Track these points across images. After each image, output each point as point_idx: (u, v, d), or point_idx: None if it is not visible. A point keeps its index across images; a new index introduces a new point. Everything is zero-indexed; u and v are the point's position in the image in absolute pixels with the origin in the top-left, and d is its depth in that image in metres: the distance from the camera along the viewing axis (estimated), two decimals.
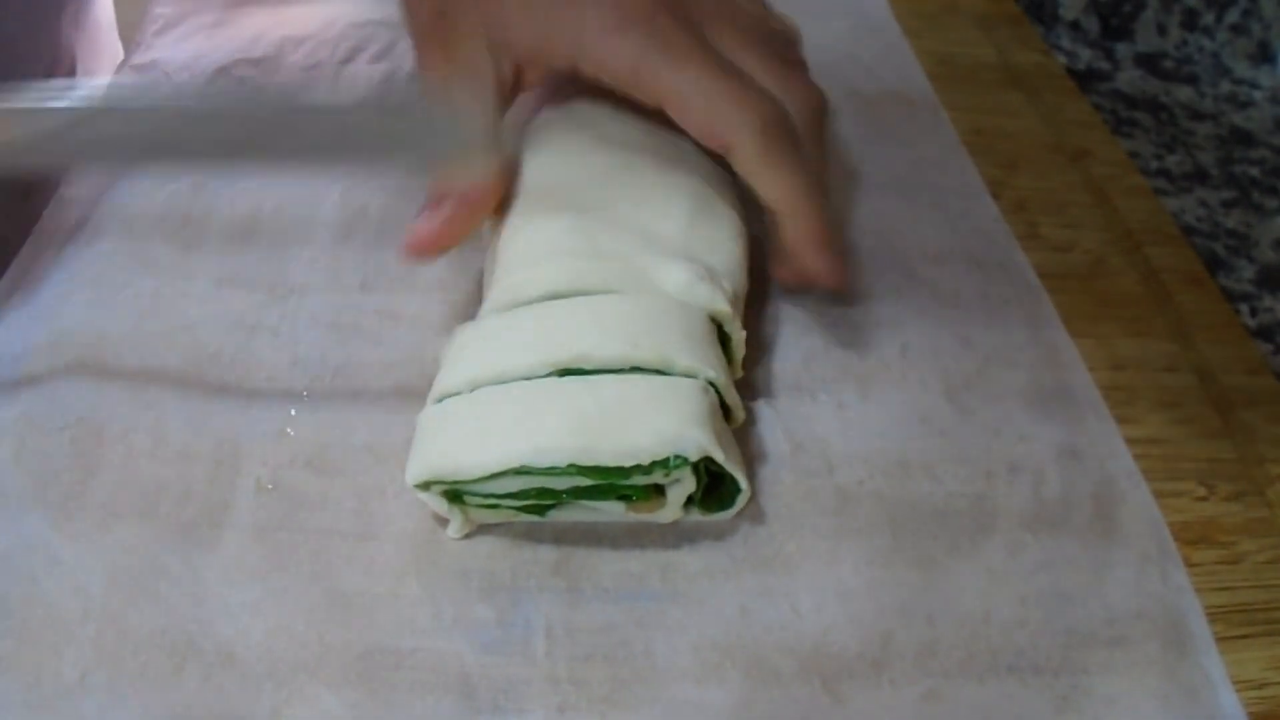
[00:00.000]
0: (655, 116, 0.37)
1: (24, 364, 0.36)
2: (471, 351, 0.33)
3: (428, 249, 0.35)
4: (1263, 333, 0.47)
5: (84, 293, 0.39)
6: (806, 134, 0.36)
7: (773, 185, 0.35)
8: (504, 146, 0.35)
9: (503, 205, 0.37)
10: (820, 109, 0.36)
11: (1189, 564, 0.34)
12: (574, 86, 0.39)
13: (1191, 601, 0.33)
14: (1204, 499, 0.37)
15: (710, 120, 0.34)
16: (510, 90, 0.37)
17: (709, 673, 0.30)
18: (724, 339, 0.35)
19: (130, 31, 0.53)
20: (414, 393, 0.36)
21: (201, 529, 0.32)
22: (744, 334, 0.35)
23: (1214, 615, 0.33)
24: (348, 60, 0.51)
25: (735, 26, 0.36)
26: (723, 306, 0.34)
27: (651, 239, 0.35)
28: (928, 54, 0.56)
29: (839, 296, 0.41)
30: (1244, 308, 0.48)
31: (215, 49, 0.51)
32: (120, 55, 0.60)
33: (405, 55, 0.50)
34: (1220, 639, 0.32)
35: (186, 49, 0.51)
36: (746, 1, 0.39)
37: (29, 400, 0.35)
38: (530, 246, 0.35)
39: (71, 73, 0.54)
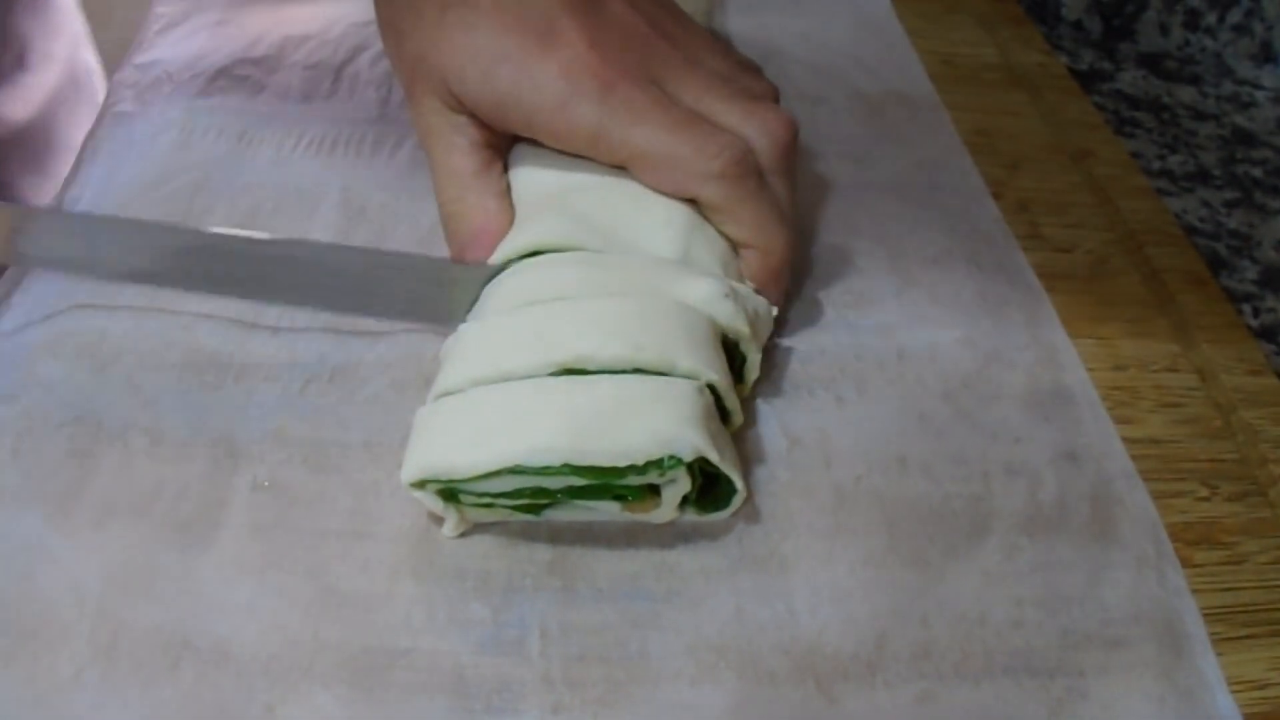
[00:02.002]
0: None
1: (23, 362, 0.36)
2: (473, 351, 0.33)
3: None
4: (1265, 333, 0.47)
5: (83, 291, 0.39)
6: (772, 166, 0.37)
7: (738, 226, 0.36)
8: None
9: None
10: (785, 138, 0.37)
11: (1191, 565, 0.34)
12: None
13: (1188, 604, 0.33)
14: (1206, 499, 0.36)
15: (672, 174, 0.35)
16: (487, 145, 0.38)
17: (704, 673, 0.30)
18: (736, 358, 0.35)
19: (132, 31, 0.53)
20: (411, 391, 0.36)
21: (197, 527, 0.32)
22: (759, 357, 0.35)
23: (1216, 616, 0.33)
24: (349, 61, 0.51)
25: (697, 72, 0.37)
26: (743, 327, 0.34)
27: (656, 248, 0.35)
28: (930, 54, 0.56)
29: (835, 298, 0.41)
30: (1246, 308, 0.48)
31: (217, 49, 0.51)
32: (84, 34, 0.61)
33: None
34: (1222, 640, 0.32)
35: (188, 48, 0.51)
36: (709, 42, 0.40)
37: (27, 398, 0.35)
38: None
39: (22, 57, 0.54)
